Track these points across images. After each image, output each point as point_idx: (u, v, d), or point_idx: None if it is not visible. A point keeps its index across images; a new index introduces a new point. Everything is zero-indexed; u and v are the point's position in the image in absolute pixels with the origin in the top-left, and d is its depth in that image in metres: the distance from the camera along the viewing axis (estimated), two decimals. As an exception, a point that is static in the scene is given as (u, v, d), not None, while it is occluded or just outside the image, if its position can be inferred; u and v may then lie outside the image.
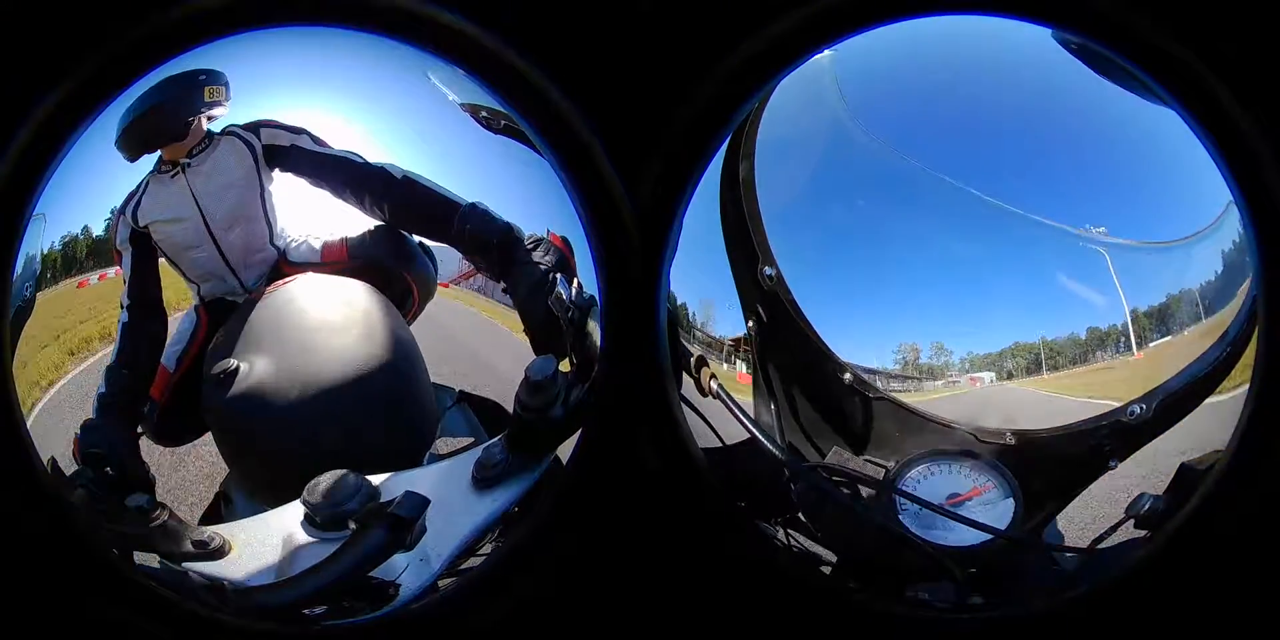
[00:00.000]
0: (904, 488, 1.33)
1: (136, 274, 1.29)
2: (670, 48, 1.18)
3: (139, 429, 1.28)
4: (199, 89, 1.23)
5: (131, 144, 1.23)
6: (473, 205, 1.31)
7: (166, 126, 1.24)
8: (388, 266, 1.35)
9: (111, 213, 1.29)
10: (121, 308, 1.29)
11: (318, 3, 1.17)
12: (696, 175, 1.24)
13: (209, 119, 1.28)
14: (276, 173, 1.32)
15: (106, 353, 1.28)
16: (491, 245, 1.31)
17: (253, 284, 1.35)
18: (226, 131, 1.29)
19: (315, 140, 1.31)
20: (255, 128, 1.30)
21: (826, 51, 1.24)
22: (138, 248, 1.29)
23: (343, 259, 1.35)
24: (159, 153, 1.28)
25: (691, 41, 1.17)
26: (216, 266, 1.33)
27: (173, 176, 1.28)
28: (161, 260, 1.32)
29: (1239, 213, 1.13)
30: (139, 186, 1.28)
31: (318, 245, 1.36)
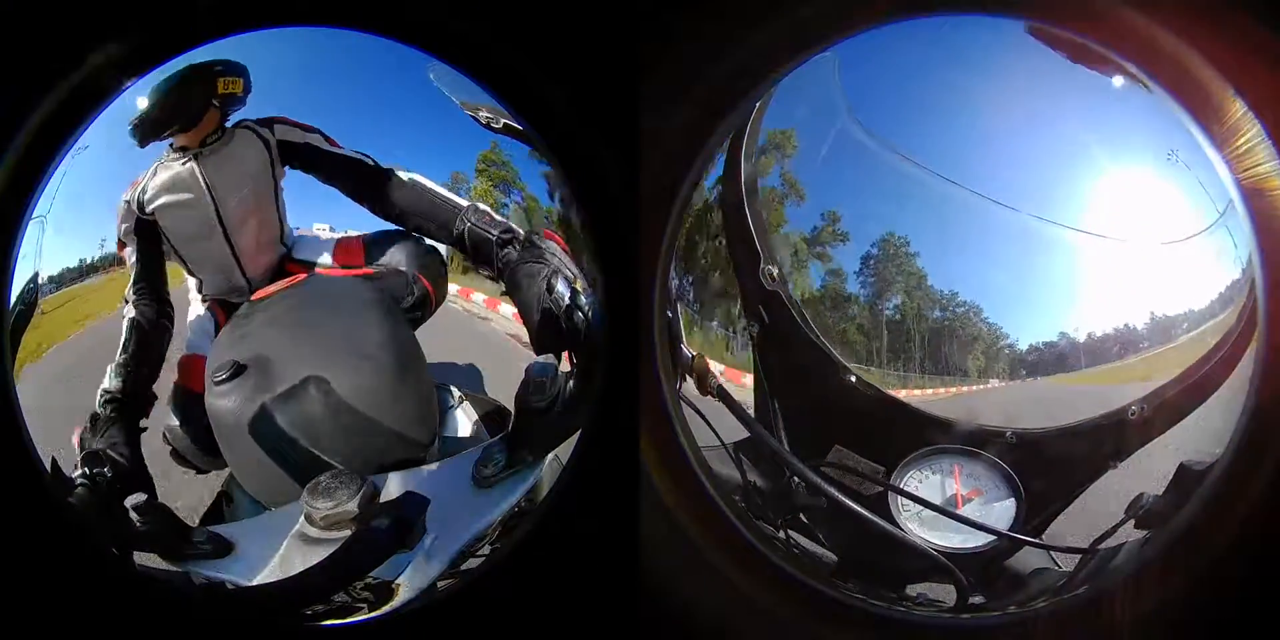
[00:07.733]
0: (905, 487, 1.34)
1: (143, 264, 1.28)
2: (669, 47, 1.18)
3: (142, 425, 1.27)
4: (213, 79, 1.23)
5: (144, 129, 1.22)
6: (474, 206, 1.31)
7: (179, 113, 1.24)
8: (404, 272, 1.36)
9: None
10: (125, 302, 1.28)
11: (318, 3, 1.17)
12: (696, 175, 1.23)
13: (225, 113, 1.28)
14: (287, 169, 1.32)
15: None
16: (491, 244, 1.31)
17: (258, 283, 1.34)
18: (241, 124, 1.29)
19: (328, 139, 1.32)
20: (269, 123, 1.30)
21: (829, 51, 1.24)
22: (144, 236, 1.28)
23: (359, 264, 1.35)
24: (168, 140, 1.27)
25: (691, 41, 1.17)
26: (224, 260, 1.33)
27: (183, 162, 1.27)
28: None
29: (1240, 212, 1.13)
30: (146, 173, 1.27)
31: (328, 244, 1.36)
